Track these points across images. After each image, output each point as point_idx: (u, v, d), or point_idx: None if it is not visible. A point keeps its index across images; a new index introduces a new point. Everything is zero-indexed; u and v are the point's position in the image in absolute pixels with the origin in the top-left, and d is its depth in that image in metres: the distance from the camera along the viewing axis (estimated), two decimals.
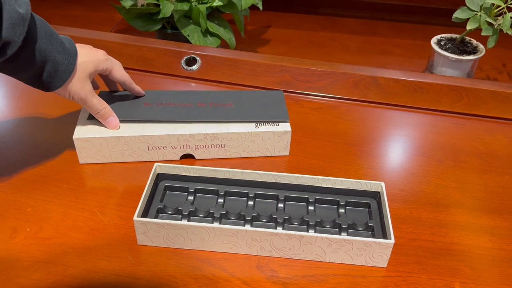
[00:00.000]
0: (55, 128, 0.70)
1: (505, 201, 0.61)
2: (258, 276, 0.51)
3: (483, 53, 0.88)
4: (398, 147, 0.71)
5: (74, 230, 0.55)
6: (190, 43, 0.87)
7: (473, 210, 0.60)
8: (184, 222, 0.51)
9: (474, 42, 0.90)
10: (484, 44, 0.85)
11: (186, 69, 0.81)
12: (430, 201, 0.61)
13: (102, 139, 0.62)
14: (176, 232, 0.52)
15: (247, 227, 0.51)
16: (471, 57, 0.87)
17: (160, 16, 0.84)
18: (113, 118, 0.63)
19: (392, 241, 0.50)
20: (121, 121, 0.63)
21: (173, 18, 0.86)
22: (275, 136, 0.64)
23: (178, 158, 0.65)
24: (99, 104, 0.61)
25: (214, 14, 0.92)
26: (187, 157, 0.65)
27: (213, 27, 0.88)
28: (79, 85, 0.59)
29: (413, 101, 0.77)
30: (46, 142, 0.68)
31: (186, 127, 0.63)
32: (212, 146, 0.64)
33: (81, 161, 0.64)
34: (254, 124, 0.65)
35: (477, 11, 0.81)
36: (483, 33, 0.81)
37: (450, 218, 0.58)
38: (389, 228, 0.52)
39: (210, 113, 0.65)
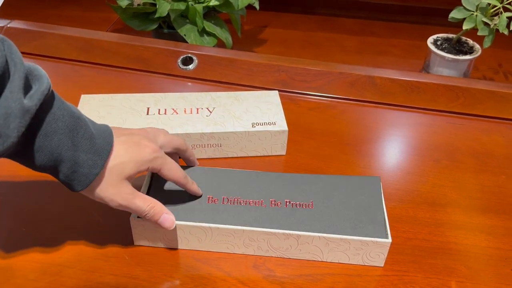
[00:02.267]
0: None
1: (501, 200, 0.61)
2: (254, 276, 0.51)
3: (479, 53, 0.88)
4: (394, 146, 0.71)
5: (70, 230, 0.55)
6: (187, 42, 0.87)
7: (469, 209, 0.60)
8: (181, 222, 0.51)
9: (470, 42, 0.91)
10: (480, 44, 0.86)
11: (183, 69, 0.81)
12: (427, 201, 0.61)
13: None
14: (173, 232, 0.52)
15: (244, 226, 0.51)
16: (467, 57, 0.87)
17: (157, 15, 0.84)
18: (167, 216, 0.50)
19: (389, 240, 0.50)
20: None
21: (170, 17, 0.86)
22: (272, 135, 0.64)
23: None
24: (144, 205, 0.49)
25: (210, 13, 0.92)
26: None
27: (209, 26, 0.88)
28: (112, 190, 0.47)
29: (409, 101, 0.77)
30: None
31: (182, 127, 0.63)
32: (209, 145, 0.64)
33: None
34: (250, 123, 0.64)
35: (473, 11, 0.81)
36: (479, 33, 0.81)
37: (446, 218, 0.59)
38: (386, 227, 0.52)
39: (286, 219, 0.52)
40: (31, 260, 0.51)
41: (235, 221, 0.52)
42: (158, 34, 0.93)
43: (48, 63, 0.85)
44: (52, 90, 0.44)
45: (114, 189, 0.47)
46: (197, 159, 0.59)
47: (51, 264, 0.51)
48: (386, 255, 0.51)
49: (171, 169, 0.51)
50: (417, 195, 0.62)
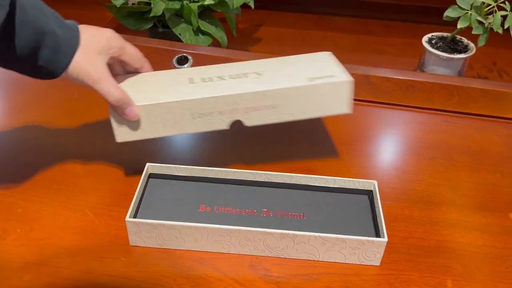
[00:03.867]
0: (48, 128, 0.69)
1: (496, 198, 0.62)
2: (251, 276, 0.51)
3: (473, 52, 0.88)
4: (389, 145, 0.71)
5: (65, 231, 0.55)
6: (182, 41, 0.87)
7: (464, 208, 0.60)
8: (177, 222, 0.51)
9: (465, 40, 0.91)
10: (475, 43, 0.86)
11: (178, 68, 0.81)
12: (422, 199, 0.61)
13: (141, 107, 0.54)
14: (168, 233, 0.52)
15: (241, 226, 0.51)
16: (462, 55, 0.87)
17: (151, 14, 0.83)
18: (133, 108, 0.53)
19: (385, 239, 0.50)
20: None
21: (165, 16, 0.86)
22: (334, 88, 0.55)
23: (227, 126, 0.56)
24: (115, 88, 0.52)
25: (205, 12, 0.92)
26: (237, 124, 0.57)
27: (204, 25, 0.88)
28: (88, 63, 0.50)
29: (404, 99, 0.78)
30: (38, 143, 0.67)
31: (233, 88, 0.55)
32: (263, 107, 0.55)
33: (118, 139, 0.56)
34: (307, 77, 0.56)
35: (468, 10, 0.81)
36: (473, 32, 0.81)
37: (441, 216, 0.59)
38: (382, 227, 0.52)
39: (278, 227, 0.51)
40: (26, 262, 0.51)
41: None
42: (153, 33, 0.92)
43: None
44: None
45: (90, 63, 0.50)
46: (250, 126, 0.56)
47: (46, 265, 0.51)
48: (382, 254, 0.51)
49: (134, 48, 0.56)
50: (413, 194, 0.62)
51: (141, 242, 0.53)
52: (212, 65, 0.62)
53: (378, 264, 0.52)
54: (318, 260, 0.53)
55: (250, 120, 0.56)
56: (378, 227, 0.53)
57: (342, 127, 0.73)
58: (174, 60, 0.81)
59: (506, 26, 0.79)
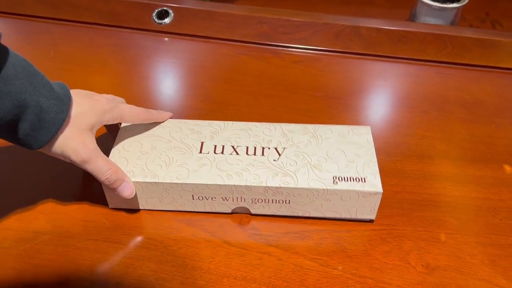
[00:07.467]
0: None
1: (491, 150, 0.60)
2: (240, 235, 0.49)
3: (466, 1, 0.85)
4: (381, 99, 0.69)
5: (45, 196, 0.52)
6: None
7: (458, 160, 0.59)
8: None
9: None
10: None
11: (158, 23, 0.77)
12: (415, 153, 0.59)
13: (137, 184, 0.49)
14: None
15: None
16: (455, 5, 0.84)
17: None
18: (127, 184, 0.48)
19: (380, 190, 0.48)
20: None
21: None
22: (360, 196, 0.49)
23: (230, 211, 0.51)
24: (106, 167, 0.46)
25: None
26: (241, 212, 0.52)
27: None
28: (77, 140, 0.45)
29: (396, 51, 0.75)
30: None
31: (241, 175, 0.49)
32: (274, 201, 0.50)
33: (110, 205, 0.52)
34: (331, 176, 0.49)
35: None
36: None
37: (435, 170, 0.57)
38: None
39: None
40: (4, 228, 0.49)
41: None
42: None
43: (13, 21, 0.80)
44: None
45: (78, 138, 0.45)
46: (257, 215, 0.52)
47: (26, 231, 0.49)
48: (377, 208, 0.49)
49: (133, 112, 0.52)
50: (406, 148, 0.60)
51: (122, 204, 0.51)
52: (233, 123, 0.56)
53: (373, 218, 0.50)
54: (308, 217, 0.51)
55: (257, 210, 0.51)
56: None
57: (332, 81, 0.70)
58: (153, 14, 0.77)
59: None
